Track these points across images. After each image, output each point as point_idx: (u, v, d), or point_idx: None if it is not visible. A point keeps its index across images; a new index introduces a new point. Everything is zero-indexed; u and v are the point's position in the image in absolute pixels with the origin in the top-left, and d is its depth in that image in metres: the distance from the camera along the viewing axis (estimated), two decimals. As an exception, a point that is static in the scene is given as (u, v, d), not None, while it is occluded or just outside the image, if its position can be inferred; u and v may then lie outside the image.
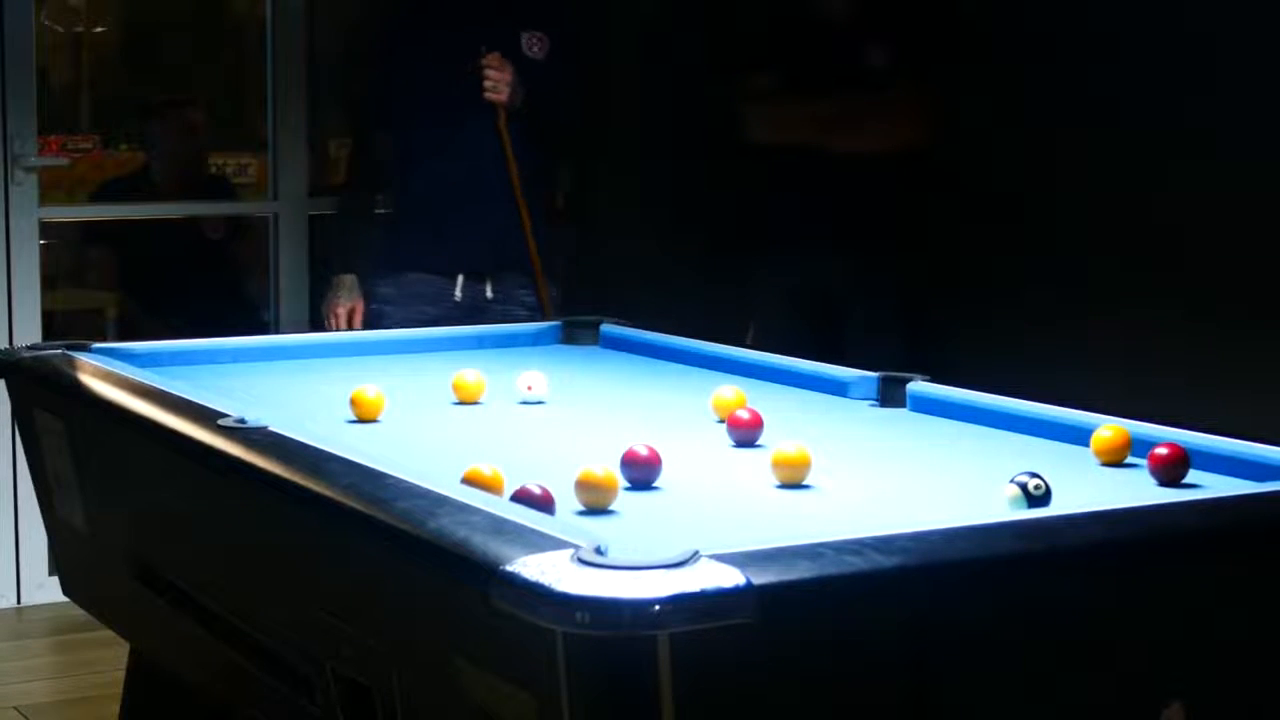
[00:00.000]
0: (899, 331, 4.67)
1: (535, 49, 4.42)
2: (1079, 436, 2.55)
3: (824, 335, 4.62)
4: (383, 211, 4.58)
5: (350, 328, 4.39)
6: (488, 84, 4.28)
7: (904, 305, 4.78)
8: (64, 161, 5.24)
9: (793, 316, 4.69)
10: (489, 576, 1.71)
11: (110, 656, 3.91)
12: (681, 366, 3.36)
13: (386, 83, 4.44)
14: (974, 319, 4.86)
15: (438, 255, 4.36)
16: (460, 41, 4.31)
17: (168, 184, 5.78)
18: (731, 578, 1.66)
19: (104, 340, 3.70)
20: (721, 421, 2.71)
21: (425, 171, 4.38)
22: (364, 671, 2.10)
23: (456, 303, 4.35)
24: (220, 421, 2.46)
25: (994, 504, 2.16)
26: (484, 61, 4.28)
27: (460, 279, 4.36)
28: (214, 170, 6.19)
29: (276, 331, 5.09)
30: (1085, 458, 2.50)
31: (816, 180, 4.66)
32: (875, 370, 2.99)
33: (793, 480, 2.36)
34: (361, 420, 2.79)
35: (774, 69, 4.72)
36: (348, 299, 4.43)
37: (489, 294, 4.38)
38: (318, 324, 5.23)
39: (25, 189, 4.87)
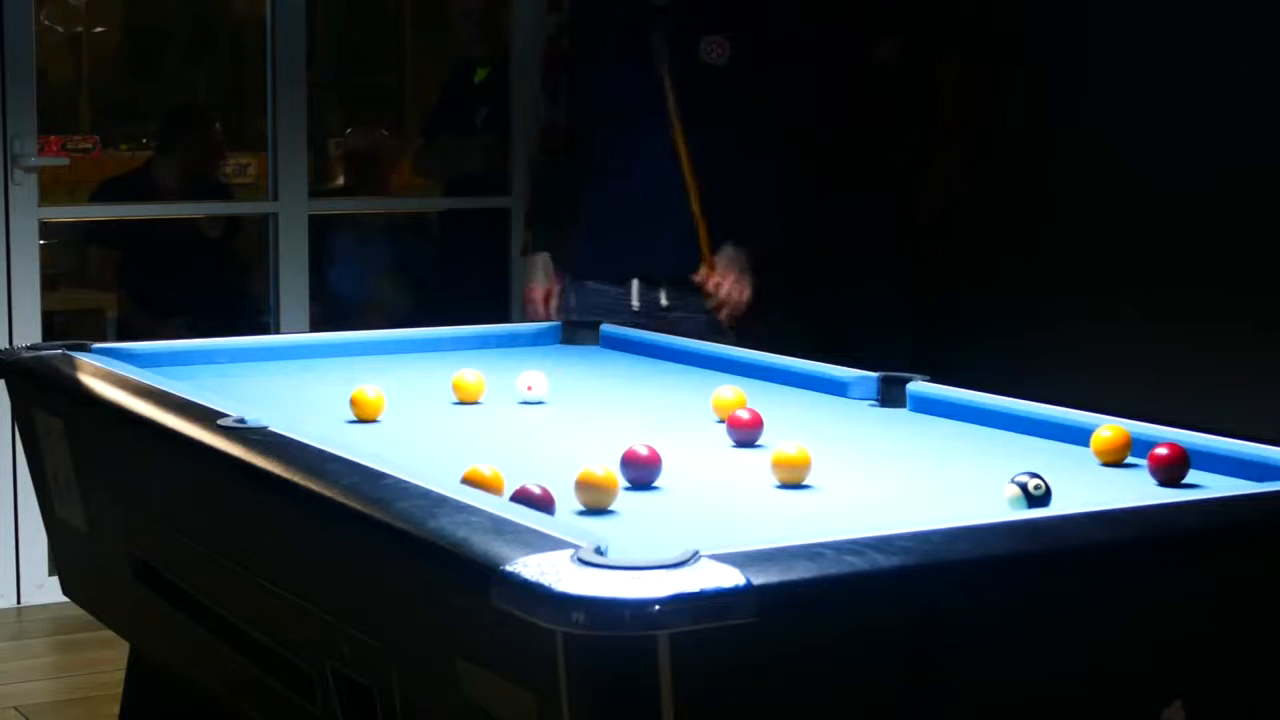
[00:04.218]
0: (902, 331, 4.67)
1: (715, 54, 4.18)
2: (1079, 436, 2.55)
3: (827, 334, 4.63)
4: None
5: (549, 314, 4.23)
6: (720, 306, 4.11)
7: (907, 305, 4.78)
8: (64, 161, 5.24)
9: (795, 316, 4.69)
10: (489, 576, 1.71)
11: (110, 656, 3.91)
12: (681, 366, 3.36)
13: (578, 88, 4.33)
14: (974, 319, 4.87)
15: (615, 262, 4.22)
16: (638, 48, 4.16)
17: (175, 189, 5.78)
18: (731, 578, 1.66)
19: (104, 340, 3.70)
20: (721, 421, 2.71)
21: (606, 180, 4.26)
22: (364, 671, 2.10)
23: (634, 311, 4.18)
24: (220, 421, 2.46)
25: (994, 504, 2.16)
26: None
27: (635, 284, 4.20)
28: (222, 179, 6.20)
29: (276, 331, 5.09)
30: (1085, 458, 2.50)
31: (816, 178, 4.66)
32: (875, 370, 2.99)
33: (793, 480, 2.36)
34: (361, 420, 2.79)
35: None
36: (543, 282, 4.27)
37: (664, 301, 4.20)
38: (318, 324, 5.24)
39: (25, 189, 4.87)
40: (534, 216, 4.51)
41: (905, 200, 4.77)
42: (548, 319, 4.16)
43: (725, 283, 4.12)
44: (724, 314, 4.13)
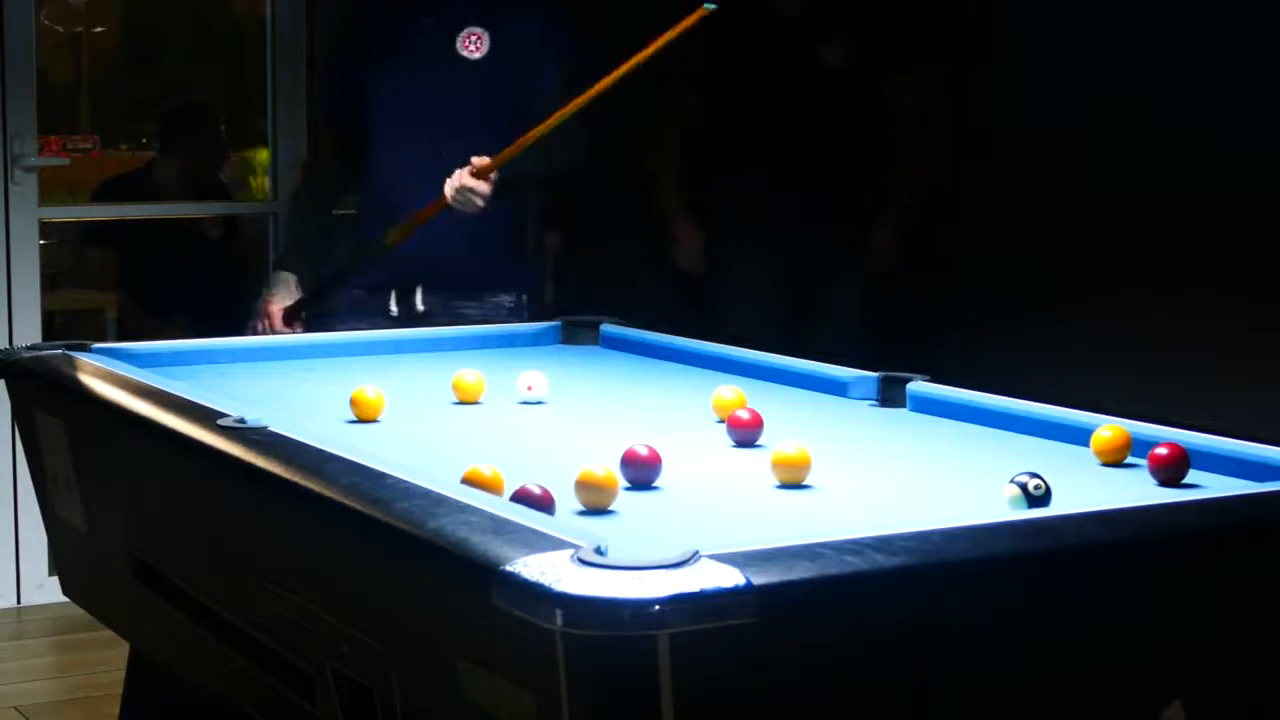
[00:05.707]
0: (862, 328, 4.66)
1: (472, 48, 4.09)
2: (1079, 436, 2.55)
3: (810, 332, 4.61)
4: (343, 212, 4.45)
5: (283, 328, 4.13)
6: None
7: (904, 304, 4.78)
8: (64, 161, 5.24)
9: (770, 316, 4.68)
10: (489, 576, 1.71)
11: (110, 656, 3.91)
12: (681, 366, 3.35)
13: (335, 89, 4.33)
14: (974, 319, 4.87)
15: (371, 271, 4.14)
16: (398, 46, 4.12)
17: (176, 188, 5.79)
18: (731, 578, 1.66)
19: (104, 340, 3.70)
20: (721, 421, 2.71)
21: (368, 184, 4.26)
22: (364, 671, 2.10)
23: (393, 317, 4.11)
24: (220, 421, 2.46)
25: (994, 504, 2.16)
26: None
27: (394, 293, 4.12)
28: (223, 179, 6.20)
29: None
30: (1085, 458, 2.50)
31: (809, 177, 4.66)
32: (875, 370, 2.99)
33: (793, 480, 2.35)
34: (361, 420, 2.79)
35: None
36: (284, 297, 4.17)
37: (420, 306, 4.12)
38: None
39: (25, 189, 4.87)
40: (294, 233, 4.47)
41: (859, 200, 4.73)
42: (280, 332, 4.09)
43: (471, 170, 3.94)
44: (450, 186, 3.96)
